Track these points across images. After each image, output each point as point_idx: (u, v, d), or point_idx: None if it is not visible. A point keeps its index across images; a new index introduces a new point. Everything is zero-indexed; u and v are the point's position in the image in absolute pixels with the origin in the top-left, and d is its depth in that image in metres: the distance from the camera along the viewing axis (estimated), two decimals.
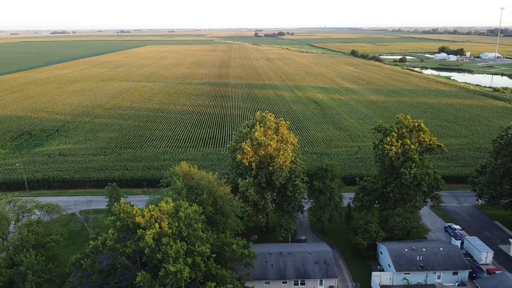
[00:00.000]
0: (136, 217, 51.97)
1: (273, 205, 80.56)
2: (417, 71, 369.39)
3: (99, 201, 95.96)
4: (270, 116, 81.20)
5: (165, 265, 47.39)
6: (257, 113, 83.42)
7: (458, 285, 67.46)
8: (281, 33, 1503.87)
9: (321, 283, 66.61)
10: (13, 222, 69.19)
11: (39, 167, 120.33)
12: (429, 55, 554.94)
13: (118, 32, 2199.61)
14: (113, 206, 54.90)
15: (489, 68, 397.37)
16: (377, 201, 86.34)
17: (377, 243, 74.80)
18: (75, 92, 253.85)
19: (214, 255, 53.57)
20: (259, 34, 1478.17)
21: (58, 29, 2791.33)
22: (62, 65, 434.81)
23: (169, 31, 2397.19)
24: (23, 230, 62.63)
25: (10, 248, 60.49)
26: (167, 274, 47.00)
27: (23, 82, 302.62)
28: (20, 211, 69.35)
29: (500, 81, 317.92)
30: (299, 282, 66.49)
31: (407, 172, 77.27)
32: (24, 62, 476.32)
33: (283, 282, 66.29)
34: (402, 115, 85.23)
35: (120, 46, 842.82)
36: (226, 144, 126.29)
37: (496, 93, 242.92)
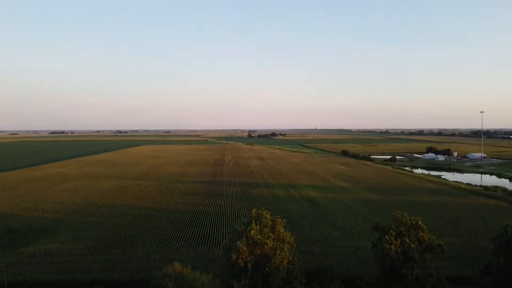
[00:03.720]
0: None
1: None
2: (407, 170, 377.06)
3: None
4: (266, 213, 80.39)
5: None
6: (253, 211, 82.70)
7: None
8: (273, 134, 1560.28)
9: None
10: None
11: (22, 268, 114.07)
12: (418, 155, 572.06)
13: (115, 132, 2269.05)
14: None
15: (477, 168, 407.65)
16: None
17: None
18: (68, 190, 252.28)
19: None
20: (252, 135, 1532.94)
21: (57, 129, 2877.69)
22: (58, 164, 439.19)
23: (165, 131, 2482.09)
24: None
25: None
26: None
27: (16, 180, 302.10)
28: None
29: (490, 180, 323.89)
30: None
31: (409, 272, 74.40)
32: (19, 161, 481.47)
33: None
34: (399, 213, 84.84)
35: (116, 145, 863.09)
36: (220, 244, 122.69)
37: (487, 191, 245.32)
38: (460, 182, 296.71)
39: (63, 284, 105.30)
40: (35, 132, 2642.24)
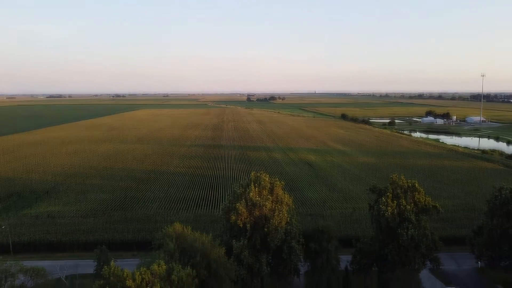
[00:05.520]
0: (127, 281, 49.62)
1: (268, 268, 77.81)
2: (406, 134, 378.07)
3: (86, 265, 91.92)
4: (264, 176, 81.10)
5: None
6: (252, 173, 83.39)
7: None
8: (272, 98, 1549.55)
9: None
10: None
11: (25, 229, 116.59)
12: (417, 119, 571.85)
13: (113, 96, 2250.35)
14: (103, 269, 52.67)
15: (476, 131, 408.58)
16: (375, 264, 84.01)
17: None
18: (68, 154, 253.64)
19: None
20: (252, 98, 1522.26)
21: (54, 93, 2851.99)
22: (57, 128, 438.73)
23: (164, 95, 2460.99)
24: None
25: None
26: None
27: (16, 143, 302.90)
28: (3, 275, 66.01)
29: (488, 144, 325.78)
30: None
31: (405, 233, 76.13)
32: (18, 124, 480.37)
33: None
34: (396, 175, 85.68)
35: (115, 109, 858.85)
36: (220, 206, 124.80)
37: (485, 155, 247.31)
38: (458, 145, 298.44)
39: (66, 245, 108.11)
40: (32, 96, 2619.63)
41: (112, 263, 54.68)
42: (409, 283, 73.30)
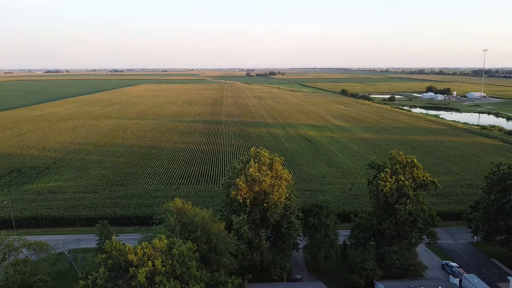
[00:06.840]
0: (129, 255, 50.49)
1: (268, 242, 79.04)
2: (406, 110, 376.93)
3: (88, 240, 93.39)
4: (264, 152, 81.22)
5: None
6: (252, 149, 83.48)
7: None
8: (272, 73, 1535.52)
9: None
10: None
11: (27, 204, 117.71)
12: (417, 94, 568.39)
13: (111, 71, 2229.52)
14: (105, 243, 53.50)
15: (476, 107, 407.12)
16: (372, 238, 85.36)
17: (375, 281, 73.14)
18: (67, 130, 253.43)
19: None
20: (251, 74, 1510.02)
21: (52, 68, 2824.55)
22: (55, 103, 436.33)
23: (162, 71, 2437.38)
24: (9, 270, 60.37)
25: None
26: None
27: (15, 119, 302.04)
28: (7, 249, 67.07)
29: (487, 120, 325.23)
30: None
31: (402, 208, 76.97)
32: (16, 100, 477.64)
33: None
34: (395, 151, 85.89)
35: (113, 84, 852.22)
36: (219, 181, 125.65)
37: (484, 131, 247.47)
38: (458, 121, 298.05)
39: (68, 220, 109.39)
40: (29, 71, 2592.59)
41: (113, 237, 55.48)
42: (405, 257, 74.57)
